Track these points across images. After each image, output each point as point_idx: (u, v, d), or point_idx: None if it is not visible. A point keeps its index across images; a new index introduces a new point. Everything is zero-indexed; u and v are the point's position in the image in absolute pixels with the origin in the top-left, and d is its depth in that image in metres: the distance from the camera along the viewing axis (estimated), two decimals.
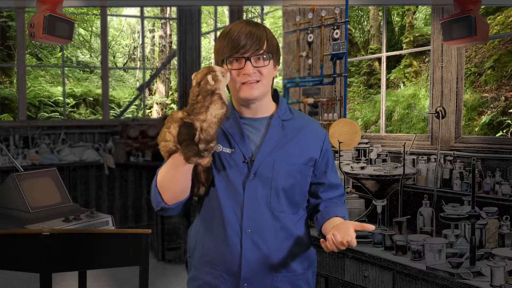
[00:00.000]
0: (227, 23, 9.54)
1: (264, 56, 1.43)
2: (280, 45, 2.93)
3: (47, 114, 10.22)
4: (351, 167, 3.18)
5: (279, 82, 6.90)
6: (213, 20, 8.80)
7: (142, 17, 7.78)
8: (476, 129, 6.47)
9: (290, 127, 1.51)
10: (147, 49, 12.59)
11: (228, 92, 1.49)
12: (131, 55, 13.34)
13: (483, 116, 6.51)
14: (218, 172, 1.46)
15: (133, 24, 13.13)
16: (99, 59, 9.77)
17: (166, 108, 12.21)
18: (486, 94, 6.62)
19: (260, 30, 1.43)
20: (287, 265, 1.50)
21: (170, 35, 12.13)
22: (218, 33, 4.77)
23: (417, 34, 8.19)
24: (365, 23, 9.43)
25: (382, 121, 4.03)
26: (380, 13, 8.66)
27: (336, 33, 3.37)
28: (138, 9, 7.88)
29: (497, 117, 6.26)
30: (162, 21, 12.09)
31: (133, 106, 9.69)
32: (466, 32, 2.77)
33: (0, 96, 9.44)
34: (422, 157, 3.32)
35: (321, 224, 1.53)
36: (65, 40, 3.28)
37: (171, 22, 11.84)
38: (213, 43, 9.73)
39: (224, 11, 11.42)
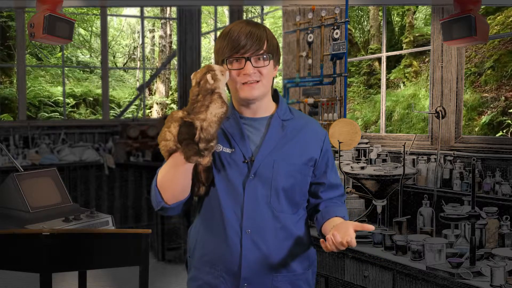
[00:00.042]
0: (227, 23, 9.54)
1: (264, 56, 1.43)
2: (280, 45, 2.93)
3: (47, 114, 10.22)
4: (351, 167, 3.18)
5: (279, 82, 6.90)
6: (213, 20, 8.80)
7: (142, 17, 7.78)
8: (476, 129, 6.47)
9: (290, 127, 1.51)
10: (147, 49, 12.59)
11: (228, 92, 1.49)
12: (131, 55, 13.34)
13: (483, 116, 6.51)
14: (218, 172, 1.46)
15: (133, 24, 13.14)
16: (99, 59, 9.77)
17: (166, 108, 12.21)
18: (486, 94, 6.62)
19: (260, 30, 1.43)
20: (287, 265, 1.50)
21: (170, 35, 12.13)
22: (218, 33, 4.76)
23: (417, 34, 8.19)
24: (365, 23, 9.43)
25: (382, 121, 4.03)
26: (380, 13, 8.66)
27: (336, 33, 3.37)
28: (138, 9, 7.88)
29: (497, 117, 6.26)
30: (162, 21, 12.09)
31: (133, 106, 9.69)
32: (466, 32, 2.77)
33: (0, 96, 9.44)
34: (422, 157, 3.32)
35: (321, 224, 1.53)
36: (65, 40, 3.29)
37: (171, 22, 11.84)
38: (213, 43, 9.72)
39: (224, 11, 11.42)
